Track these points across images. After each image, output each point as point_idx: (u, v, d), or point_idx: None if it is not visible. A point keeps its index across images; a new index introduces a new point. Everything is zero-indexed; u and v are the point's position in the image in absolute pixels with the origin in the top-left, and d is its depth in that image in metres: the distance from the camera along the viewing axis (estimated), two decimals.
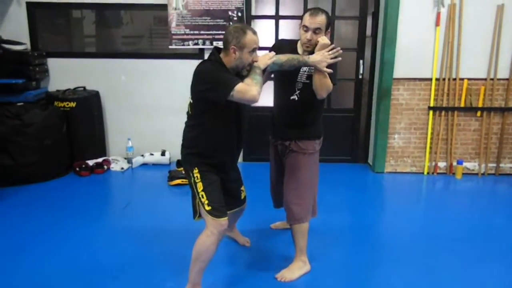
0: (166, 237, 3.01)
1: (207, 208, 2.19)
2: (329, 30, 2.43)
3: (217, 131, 2.23)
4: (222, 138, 2.25)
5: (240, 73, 2.22)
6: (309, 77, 2.41)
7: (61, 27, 4.89)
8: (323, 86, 2.36)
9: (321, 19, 2.34)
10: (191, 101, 2.23)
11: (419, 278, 2.58)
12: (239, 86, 2.06)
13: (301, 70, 2.43)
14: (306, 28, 2.37)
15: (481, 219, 3.41)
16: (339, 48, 2.31)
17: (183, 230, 3.00)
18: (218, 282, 2.50)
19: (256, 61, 2.22)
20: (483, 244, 3.00)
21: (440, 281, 2.54)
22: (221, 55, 2.20)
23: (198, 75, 2.17)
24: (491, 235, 3.14)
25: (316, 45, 2.35)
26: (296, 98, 2.47)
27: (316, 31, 2.35)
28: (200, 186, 2.22)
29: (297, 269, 2.57)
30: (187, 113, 2.28)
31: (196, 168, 2.24)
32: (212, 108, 2.14)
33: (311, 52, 2.37)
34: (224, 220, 2.21)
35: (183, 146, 2.32)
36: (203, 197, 2.21)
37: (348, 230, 3.15)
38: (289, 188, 2.54)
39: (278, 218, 3.16)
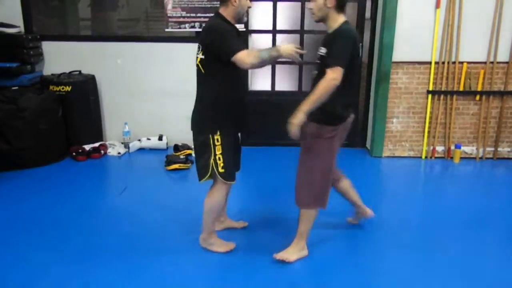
0: (163, 221, 3.00)
1: (221, 170, 2.38)
2: None
3: (231, 87, 2.36)
4: (236, 93, 2.41)
5: (242, 21, 2.39)
6: (320, 58, 2.36)
7: (55, 10, 4.81)
8: (322, 91, 2.21)
9: None
10: (202, 57, 2.30)
11: (418, 262, 2.59)
12: (240, 54, 2.19)
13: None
14: None
15: (478, 203, 3.42)
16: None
17: (180, 214, 3.00)
18: (215, 264, 2.52)
19: (250, 7, 2.38)
20: (481, 228, 3.01)
21: (438, 265, 2.55)
22: (221, 10, 2.33)
23: (209, 29, 2.30)
24: (489, 219, 3.15)
25: (319, 15, 2.32)
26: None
27: None
28: (219, 149, 2.36)
29: (296, 251, 2.57)
30: (198, 72, 2.35)
31: (218, 131, 2.36)
32: (224, 63, 2.24)
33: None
34: (232, 183, 2.48)
35: (198, 111, 2.42)
36: (219, 159, 2.37)
37: (346, 215, 3.14)
38: (299, 172, 2.53)
39: (278, 202, 3.15)
